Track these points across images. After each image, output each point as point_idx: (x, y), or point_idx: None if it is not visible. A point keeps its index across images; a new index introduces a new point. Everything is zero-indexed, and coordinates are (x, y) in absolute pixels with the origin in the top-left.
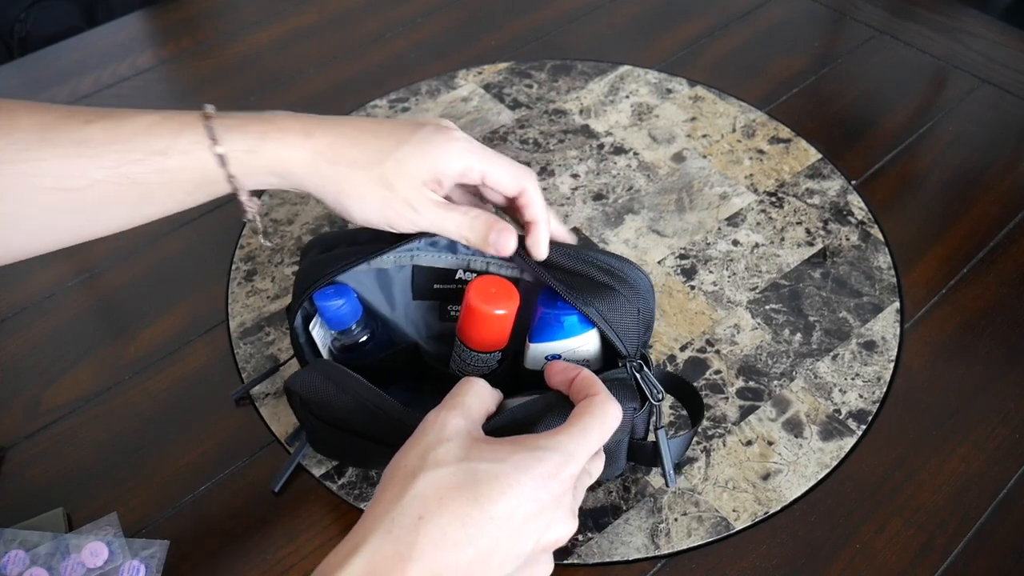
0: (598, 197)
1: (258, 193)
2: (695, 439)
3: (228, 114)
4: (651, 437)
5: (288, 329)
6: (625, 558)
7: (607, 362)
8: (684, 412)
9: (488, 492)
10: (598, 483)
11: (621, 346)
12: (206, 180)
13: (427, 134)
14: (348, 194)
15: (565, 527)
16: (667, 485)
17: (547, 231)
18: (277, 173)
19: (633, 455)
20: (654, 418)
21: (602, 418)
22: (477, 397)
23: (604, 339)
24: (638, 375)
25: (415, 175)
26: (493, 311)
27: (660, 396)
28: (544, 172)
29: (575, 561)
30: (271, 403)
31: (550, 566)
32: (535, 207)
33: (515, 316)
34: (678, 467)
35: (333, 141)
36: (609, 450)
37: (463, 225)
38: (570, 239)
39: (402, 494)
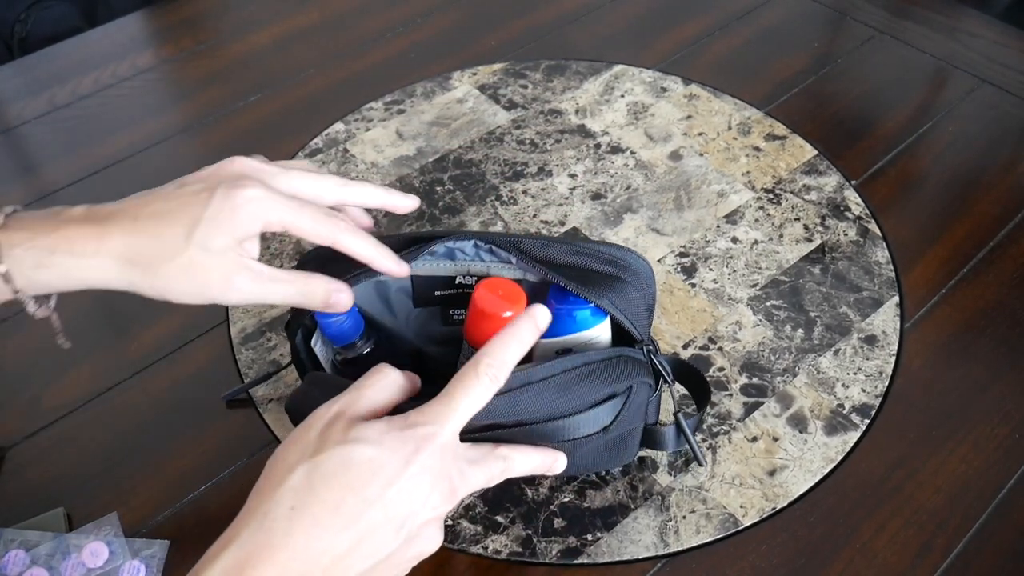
0: (596, 197)
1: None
2: (700, 437)
3: (21, 219)
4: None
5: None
6: (635, 557)
7: None
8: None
9: (358, 475)
10: (604, 482)
11: (636, 332)
12: None
13: (219, 201)
14: (159, 288)
15: (443, 502)
16: (700, 464)
17: (385, 256)
18: (71, 285)
19: (646, 440)
20: (660, 399)
21: (467, 386)
22: (381, 389)
23: (615, 328)
24: (654, 358)
25: (220, 249)
26: (501, 313)
27: (672, 379)
28: (542, 172)
29: (585, 561)
30: (274, 407)
31: (434, 541)
32: (355, 253)
33: None
34: (686, 463)
35: (127, 241)
36: (622, 436)
37: (291, 294)
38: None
39: (277, 487)
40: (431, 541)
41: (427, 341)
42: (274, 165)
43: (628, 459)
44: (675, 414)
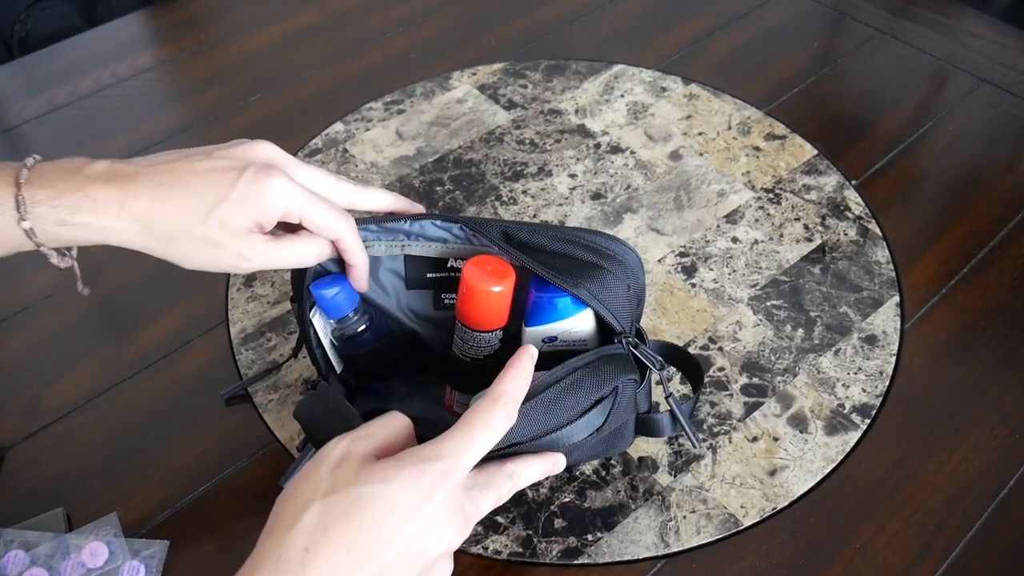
0: (596, 196)
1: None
2: (701, 436)
3: (45, 173)
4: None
5: (289, 334)
6: (636, 557)
7: (603, 340)
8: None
9: (373, 515)
10: (605, 482)
11: (616, 323)
12: (14, 245)
13: (246, 184)
14: (174, 254)
15: (457, 535)
16: (693, 447)
17: (365, 271)
18: (92, 243)
19: (641, 429)
20: (650, 387)
21: (487, 420)
22: (392, 431)
23: (599, 318)
24: (634, 350)
25: (238, 228)
26: (490, 288)
27: (660, 365)
28: (541, 172)
29: (585, 561)
30: (274, 407)
31: (445, 573)
32: (350, 254)
33: (512, 293)
34: (686, 463)
35: (150, 206)
36: (615, 429)
37: (307, 253)
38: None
39: (290, 528)
40: (442, 573)
41: (419, 324)
42: (294, 159)
43: (624, 447)
44: (666, 397)
